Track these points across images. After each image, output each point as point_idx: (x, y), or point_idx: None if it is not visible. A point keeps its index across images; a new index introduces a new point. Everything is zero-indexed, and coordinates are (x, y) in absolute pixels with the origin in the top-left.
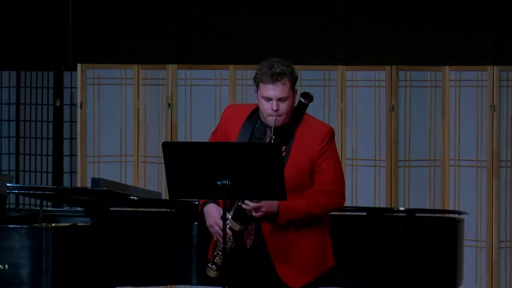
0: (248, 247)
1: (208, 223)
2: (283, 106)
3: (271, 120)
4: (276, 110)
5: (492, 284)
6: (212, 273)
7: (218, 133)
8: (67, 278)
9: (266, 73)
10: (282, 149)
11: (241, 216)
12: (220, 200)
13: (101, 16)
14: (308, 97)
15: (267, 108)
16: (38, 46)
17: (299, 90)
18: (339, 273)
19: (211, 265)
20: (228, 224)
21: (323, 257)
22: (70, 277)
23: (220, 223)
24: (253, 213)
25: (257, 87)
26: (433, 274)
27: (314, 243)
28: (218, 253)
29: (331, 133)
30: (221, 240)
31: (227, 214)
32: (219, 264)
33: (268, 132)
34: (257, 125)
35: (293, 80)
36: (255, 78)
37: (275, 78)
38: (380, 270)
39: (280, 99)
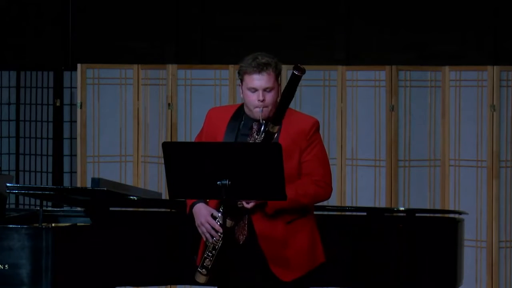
0: (241, 243)
1: (198, 222)
2: (269, 97)
3: (257, 112)
4: (263, 101)
5: (492, 284)
6: (201, 279)
7: (203, 137)
8: (67, 278)
9: (251, 64)
10: (275, 130)
11: (232, 211)
12: (208, 200)
13: (101, 16)
14: (300, 69)
15: (253, 99)
16: (38, 46)
17: (299, 90)
18: (339, 273)
19: (201, 269)
20: (219, 221)
21: (313, 252)
22: (70, 277)
23: (211, 220)
24: (245, 204)
25: (242, 80)
26: (433, 274)
27: (305, 237)
28: (208, 255)
29: (317, 125)
30: (210, 240)
31: (216, 212)
32: (209, 267)
33: (255, 127)
34: (243, 122)
35: (278, 71)
36: (239, 71)
37: (260, 68)
38: (380, 270)
39: (265, 89)
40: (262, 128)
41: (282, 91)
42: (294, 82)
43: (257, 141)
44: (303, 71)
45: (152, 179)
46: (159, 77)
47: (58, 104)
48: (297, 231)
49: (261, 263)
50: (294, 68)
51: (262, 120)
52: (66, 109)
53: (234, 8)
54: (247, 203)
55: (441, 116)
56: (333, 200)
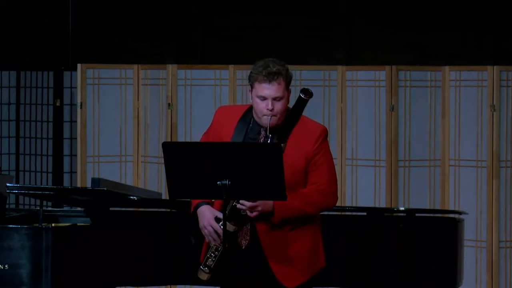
0: (243, 247)
1: (201, 224)
2: (278, 106)
3: (265, 120)
4: (272, 110)
5: (492, 284)
6: (204, 276)
7: (210, 136)
8: (67, 278)
9: (261, 72)
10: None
11: (235, 216)
12: (213, 200)
13: (101, 16)
14: (308, 93)
15: (262, 107)
16: (38, 46)
17: (299, 89)
18: (339, 273)
19: (203, 267)
20: (222, 225)
21: (315, 257)
22: (70, 277)
23: (214, 224)
24: (248, 213)
25: (252, 86)
26: (433, 274)
27: (307, 243)
28: (210, 255)
29: (325, 133)
30: (213, 242)
31: (221, 214)
32: (212, 266)
33: (263, 132)
34: (251, 125)
35: (288, 79)
36: (250, 77)
37: (271, 77)
38: (380, 270)
39: (275, 99)
40: (269, 141)
41: (289, 110)
42: (301, 105)
43: None
44: (310, 95)
45: (152, 179)
46: (159, 77)
47: (58, 104)
48: (299, 237)
49: (264, 268)
50: (301, 91)
51: (268, 133)
52: (66, 109)
53: (234, 8)
54: (251, 212)
55: (441, 116)
56: None
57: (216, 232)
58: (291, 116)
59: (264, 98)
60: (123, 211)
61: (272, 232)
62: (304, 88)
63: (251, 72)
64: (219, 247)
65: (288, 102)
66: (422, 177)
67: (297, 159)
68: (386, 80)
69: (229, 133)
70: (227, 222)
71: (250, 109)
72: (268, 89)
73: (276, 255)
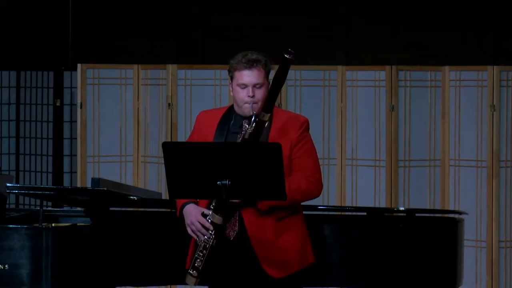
0: (231, 239)
1: (188, 221)
2: (259, 93)
3: (247, 108)
4: (253, 97)
5: (492, 284)
6: (192, 281)
7: (194, 139)
8: (67, 278)
9: (241, 60)
10: (266, 118)
11: (222, 208)
12: (198, 200)
13: (101, 16)
14: (291, 53)
15: (243, 96)
16: (38, 46)
17: (299, 90)
18: (338, 273)
19: (192, 271)
20: (210, 219)
21: (304, 251)
22: (70, 277)
23: (201, 219)
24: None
25: (232, 77)
26: (433, 274)
27: (295, 235)
28: (198, 255)
29: (307, 123)
30: (202, 238)
31: (207, 210)
32: (200, 268)
33: (245, 125)
34: (232, 121)
35: (268, 69)
36: (229, 68)
37: (251, 64)
38: (380, 270)
39: (255, 85)
40: (253, 118)
41: (272, 77)
42: (285, 66)
43: (248, 131)
44: (294, 55)
45: (152, 179)
46: (159, 77)
47: (58, 104)
48: (287, 229)
49: (253, 261)
50: (284, 52)
51: (253, 112)
52: (66, 109)
53: (234, 8)
54: None
55: (441, 116)
56: (333, 200)
57: (204, 226)
58: (276, 80)
59: (245, 86)
60: (123, 211)
61: (260, 222)
62: (287, 49)
63: (230, 63)
64: (207, 244)
65: (267, 91)
66: (422, 177)
67: (282, 145)
68: (386, 80)
69: (211, 133)
70: (214, 214)
71: (230, 108)
72: (249, 76)
73: (263, 245)
